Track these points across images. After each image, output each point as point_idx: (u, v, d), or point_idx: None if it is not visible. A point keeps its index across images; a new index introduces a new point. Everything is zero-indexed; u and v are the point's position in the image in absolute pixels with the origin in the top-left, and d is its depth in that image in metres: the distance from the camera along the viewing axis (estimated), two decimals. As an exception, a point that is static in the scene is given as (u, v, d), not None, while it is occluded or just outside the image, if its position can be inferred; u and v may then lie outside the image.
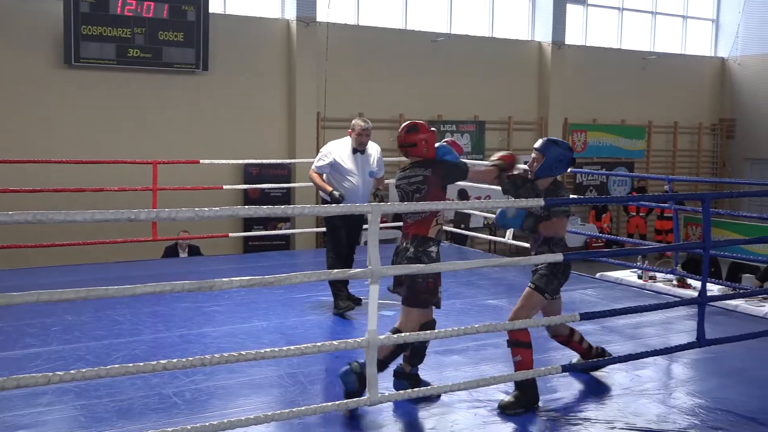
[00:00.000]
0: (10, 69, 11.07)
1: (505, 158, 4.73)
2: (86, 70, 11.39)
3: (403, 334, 3.81)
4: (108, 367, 3.03)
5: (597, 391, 4.75)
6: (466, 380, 4.21)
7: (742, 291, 7.10)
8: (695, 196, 5.05)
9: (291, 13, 13.05)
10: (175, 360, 3.14)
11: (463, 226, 12.48)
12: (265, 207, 3.27)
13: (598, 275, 8.70)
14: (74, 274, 7.74)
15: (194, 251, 10.24)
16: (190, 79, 12.22)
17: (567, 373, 4.81)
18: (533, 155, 4.68)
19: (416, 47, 14.37)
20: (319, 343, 3.53)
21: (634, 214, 15.67)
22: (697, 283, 6.62)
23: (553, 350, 5.52)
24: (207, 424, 3.14)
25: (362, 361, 4.15)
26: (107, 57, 11.31)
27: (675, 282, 8.38)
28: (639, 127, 17.55)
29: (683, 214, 13.40)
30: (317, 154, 6.65)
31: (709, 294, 4.73)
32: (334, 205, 5.87)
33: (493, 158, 4.80)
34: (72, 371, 2.92)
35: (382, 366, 4.24)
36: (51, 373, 2.87)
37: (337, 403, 3.49)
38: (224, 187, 9.85)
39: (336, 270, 3.72)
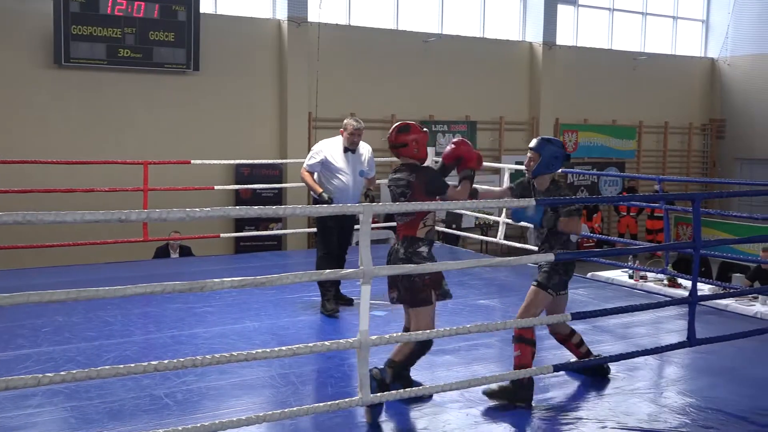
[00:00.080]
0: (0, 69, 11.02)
1: (469, 164, 4.49)
2: (76, 70, 11.34)
3: (394, 335, 3.81)
4: (99, 368, 3.01)
5: (588, 390, 4.76)
6: (458, 380, 4.22)
7: (732, 290, 7.14)
8: (686, 196, 5.07)
9: (282, 13, 13.03)
10: (166, 361, 3.13)
11: (454, 226, 12.49)
12: (256, 207, 3.26)
13: (589, 275, 8.72)
14: (65, 275, 7.70)
15: (185, 252, 10.21)
16: (180, 80, 12.18)
17: (559, 373, 4.82)
18: (529, 155, 4.75)
19: (407, 47, 14.38)
20: (311, 344, 3.52)
21: (625, 214, 15.73)
22: (688, 283, 6.64)
23: (545, 350, 5.53)
24: (198, 425, 3.13)
25: (381, 366, 4.15)
26: (97, 57, 11.26)
27: (666, 281, 8.42)
28: (630, 128, 17.61)
29: (674, 214, 13.46)
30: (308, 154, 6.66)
31: (699, 293, 4.75)
32: (325, 205, 5.88)
33: (460, 171, 4.52)
34: (62, 372, 2.90)
35: (404, 369, 4.22)
36: (41, 375, 2.85)
37: (329, 403, 3.48)
38: (215, 187, 9.84)
39: (328, 270, 3.70)
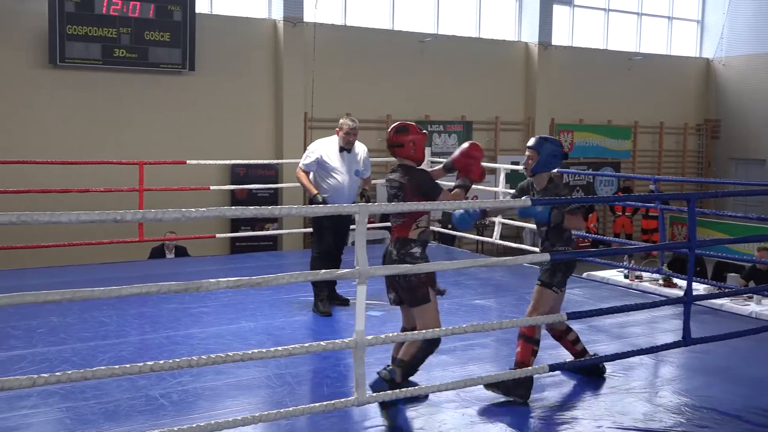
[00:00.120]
0: (-5, 69, 11.00)
1: (470, 176, 4.51)
2: (71, 70, 11.32)
3: (390, 335, 3.80)
4: (94, 368, 3.01)
5: (584, 390, 4.77)
6: (453, 380, 4.22)
7: (727, 290, 7.16)
8: (681, 196, 5.11)
9: (278, 14, 13.03)
10: (161, 361, 3.12)
11: (450, 226, 12.49)
12: (252, 207, 3.26)
13: (584, 275, 8.73)
14: (60, 276, 7.68)
15: (181, 252, 10.20)
16: (176, 80, 12.17)
17: (555, 373, 4.83)
18: (527, 153, 4.79)
19: (403, 47, 14.38)
20: (306, 344, 3.52)
21: (620, 213, 15.76)
22: (683, 283, 6.66)
23: (541, 350, 5.53)
24: (194, 425, 3.13)
25: (390, 367, 4.15)
26: (93, 57, 11.24)
27: (661, 281, 8.44)
28: (625, 128, 17.64)
29: (669, 214, 13.49)
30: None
31: (694, 293, 4.76)
32: (321, 205, 5.89)
33: (459, 177, 4.55)
34: (57, 373, 2.90)
35: (413, 368, 4.20)
36: (36, 376, 2.84)
37: (324, 403, 3.48)
38: (211, 187, 9.81)
39: (324, 271, 3.70)
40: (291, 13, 12.95)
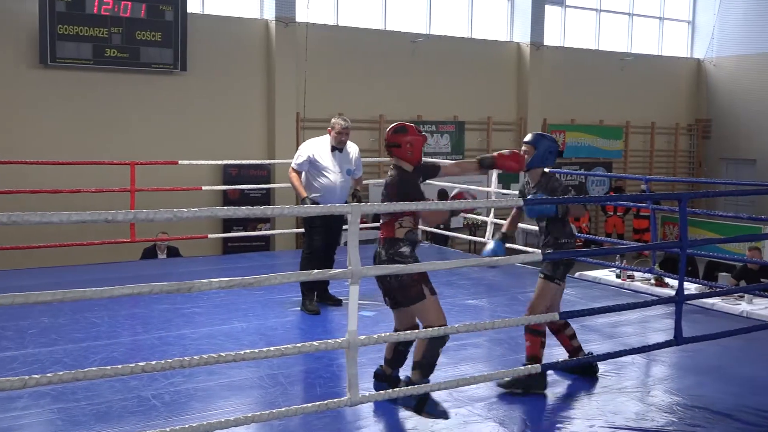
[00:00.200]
0: (-15, 69, 10.94)
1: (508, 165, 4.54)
2: (62, 70, 11.28)
3: (383, 334, 3.80)
4: (85, 369, 2.99)
5: (577, 389, 4.78)
6: (446, 380, 4.22)
7: (718, 289, 7.19)
8: (672, 195, 5.12)
9: (270, 14, 13.01)
10: (153, 362, 3.11)
11: (442, 226, 12.50)
12: (244, 208, 3.25)
13: (576, 275, 8.75)
14: (51, 276, 7.65)
15: (173, 252, 10.16)
16: (168, 80, 12.13)
17: (547, 372, 4.83)
18: (524, 148, 4.89)
19: (395, 48, 14.38)
20: (299, 344, 3.52)
21: (612, 213, 15.80)
22: (675, 282, 6.69)
23: (533, 349, 5.55)
24: (186, 426, 3.12)
25: (408, 376, 4.13)
26: (84, 57, 11.19)
27: (653, 281, 8.46)
28: (617, 128, 17.69)
29: (660, 214, 13.53)
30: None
31: (686, 293, 4.77)
32: (313, 205, 5.89)
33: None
34: (49, 374, 2.88)
35: (431, 366, 4.15)
36: (27, 377, 2.82)
37: (317, 404, 3.48)
38: (203, 188, 9.80)
39: (317, 271, 3.70)
40: (283, 13, 12.93)
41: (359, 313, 3.54)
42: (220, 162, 10.57)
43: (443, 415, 4.11)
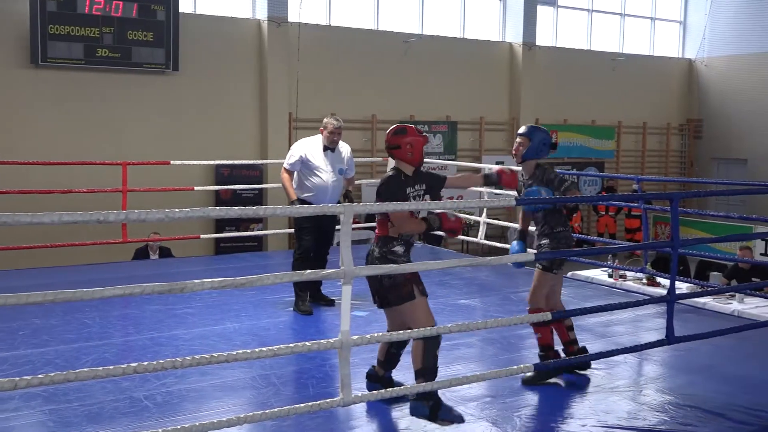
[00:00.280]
0: (-25, 69, 10.88)
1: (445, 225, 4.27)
2: (54, 70, 11.23)
3: (375, 334, 3.80)
4: (77, 370, 2.98)
5: (569, 388, 4.79)
6: (439, 380, 4.22)
7: (710, 289, 7.21)
8: (664, 195, 5.13)
9: (262, 13, 12.99)
10: (145, 363, 3.10)
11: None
12: (236, 208, 3.25)
13: (569, 274, 8.76)
14: (42, 277, 7.62)
15: (165, 253, 10.14)
16: (160, 80, 12.10)
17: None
18: (518, 140, 4.94)
19: (388, 48, 14.39)
20: (291, 345, 3.51)
21: (604, 213, 15.83)
22: (666, 282, 6.70)
23: (527, 349, 5.56)
24: (179, 427, 3.11)
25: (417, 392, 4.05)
26: (75, 57, 11.15)
27: (644, 280, 8.48)
28: (609, 128, 17.74)
29: (652, 214, 13.57)
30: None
31: (677, 292, 4.79)
32: (306, 205, 5.88)
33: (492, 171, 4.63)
34: (40, 375, 2.87)
35: (433, 372, 4.10)
36: (18, 378, 2.81)
37: (309, 404, 3.47)
38: (195, 188, 9.78)
39: (309, 271, 3.69)
40: (275, 13, 12.92)
41: (352, 313, 3.54)
42: (212, 162, 10.56)
43: (458, 419, 4.07)
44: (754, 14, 17.80)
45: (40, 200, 9.51)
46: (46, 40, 10.87)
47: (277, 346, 3.43)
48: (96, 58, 11.30)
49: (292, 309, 6.43)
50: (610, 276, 8.91)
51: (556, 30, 17.27)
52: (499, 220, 11.80)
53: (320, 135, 6.47)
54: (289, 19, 12.99)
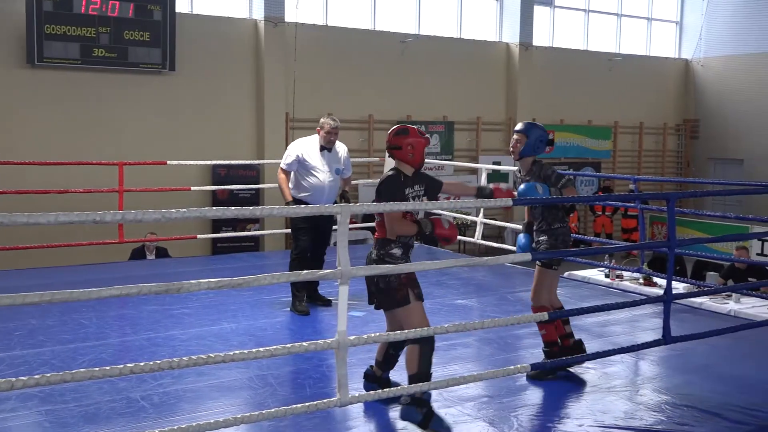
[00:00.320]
0: (-29, 69, 10.86)
1: (437, 230, 4.22)
2: (50, 70, 11.21)
3: (372, 335, 3.80)
4: (73, 371, 2.97)
5: (566, 388, 4.79)
6: (435, 380, 4.22)
7: (706, 289, 7.23)
8: (660, 195, 5.15)
9: (259, 13, 12.98)
10: (142, 363, 3.09)
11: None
12: (233, 208, 3.24)
13: (566, 274, 8.76)
14: (39, 277, 7.60)
15: (162, 253, 10.12)
16: (156, 79, 12.09)
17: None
18: (515, 137, 4.96)
19: (385, 48, 14.39)
20: (288, 345, 3.51)
21: (600, 213, 15.86)
22: (663, 281, 6.71)
23: (524, 349, 5.57)
24: (176, 427, 3.10)
25: (409, 395, 4.04)
26: (71, 57, 11.13)
27: (641, 280, 8.49)
28: (605, 128, 17.76)
29: (649, 214, 13.59)
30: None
31: (674, 292, 4.80)
32: (303, 206, 5.88)
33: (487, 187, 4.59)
34: (36, 376, 2.86)
35: (426, 376, 4.06)
36: (14, 379, 2.80)
37: (306, 404, 3.47)
38: (192, 188, 9.77)
39: (306, 271, 3.69)
40: (272, 13, 12.91)
41: (349, 313, 3.53)
42: (209, 162, 10.55)
43: (449, 430, 4.05)
44: (751, 15, 17.84)
45: (36, 200, 9.49)
46: (42, 39, 10.85)
47: (274, 347, 3.43)
48: (92, 58, 11.28)
49: (289, 309, 6.43)
50: (607, 276, 8.92)
51: (553, 30, 17.29)
52: (496, 220, 11.81)
53: (317, 135, 6.46)
54: (286, 19, 12.99)
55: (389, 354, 4.40)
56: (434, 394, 4.43)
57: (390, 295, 4.10)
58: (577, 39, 17.68)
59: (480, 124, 15.66)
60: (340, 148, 6.59)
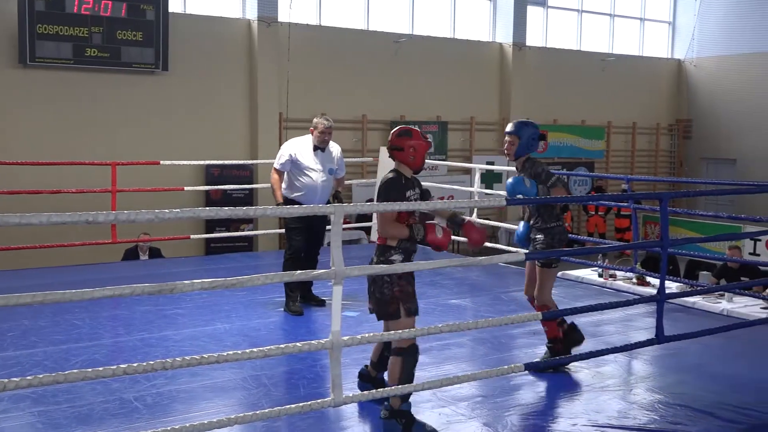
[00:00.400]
0: (-37, 68, 10.81)
1: (429, 237, 4.12)
2: (42, 69, 11.17)
3: (366, 335, 3.79)
4: (66, 372, 2.96)
5: (559, 388, 4.80)
6: (429, 380, 4.22)
7: (699, 288, 7.24)
8: (653, 195, 5.16)
9: (252, 13, 12.96)
10: (135, 364, 3.09)
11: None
12: (226, 208, 3.24)
13: (559, 274, 8.77)
14: (31, 278, 7.57)
15: (155, 254, 10.10)
16: (149, 79, 12.06)
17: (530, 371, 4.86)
18: (507, 139, 5.02)
19: (378, 48, 14.38)
20: (282, 345, 3.50)
21: (593, 213, 15.88)
22: (656, 281, 6.73)
23: (518, 348, 5.58)
24: (169, 428, 3.10)
25: (385, 404, 4.02)
26: (64, 56, 11.10)
27: (634, 280, 8.50)
28: (598, 128, 17.80)
29: (642, 213, 13.63)
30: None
31: (667, 291, 4.81)
32: (296, 206, 5.88)
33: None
34: (29, 377, 2.85)
35: (410, 376, 4.04)
36: (6, 380, 2.79)
37: (300, 405, 3.47)
38: (185, 188, 9.75)
39: (300, 272, 3.68)
40: (265, 13, 12.89)
41: (343, 313, 3.53)
42: (202, 162, 10.53)
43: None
44: (743, 15, 17.90)
45: (28, 201, 9.45)
46: (34, 39, 10.81)
47: (268, 347, 3.43)
48: (85, 58, 11.25)
49: (282, 309, 6.42)
50: (600, 276, 8.93)
51: (546, 30, 17.31)
52: (490, 220, 11.81)
53: (310, 135, 6.46)
54: (279, 19, 12.97)
55: (384, 356, 4.39)
56: (428, 393, 4.44)
57: (381, 306, 4.10)
58: (570, 39, 17.72)
59: (473, 124, 15.67)
60: (334, 148, 6.59)
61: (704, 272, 9.37)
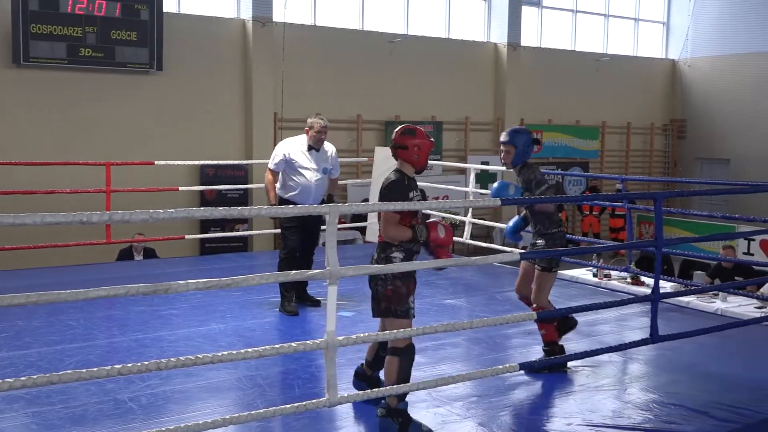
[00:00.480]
0: (-43, 68, 10.77)
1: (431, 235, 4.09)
2: (36, 69, 11.14)
3: (361, 335, 3.79)
4: (60, 372, 2.95)
5: (554, 387, 4.81)
6: (425, 380, 4.22)
7: (693, 288, 7.27)
8: (648, 195, 5.17)
9: (246, 13, 12.94)
10: (130, 364, 3.08)
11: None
12: (221, 208, 3.22)
13: (554, 274, 8.80)
14: (25, 278, 7.55)
15: (149, 254, 10.08)
16: (143, 79, 12.03)
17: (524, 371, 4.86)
18: (503, 149, 5.01)
19: (373, 48, 14.38)
20: (277, 345, 3.50)
21: (588, 213, 15.92)
22: (650, 281, 6.74)
23: (512, 348, 5.59)
24: (164, 429, 3.09)
25: (382, 404, 4.02)
26: (58, 56, 11.06)
27: (629, 279, 8.52)
28: (593, 128, 17.84)
29: (636, 213, 13.65)
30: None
31: (661, 291, 4.82)
32: (291, 206, 5.87)
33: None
34: (22, 378, 2.84)
35: (407, 376, 4.04)
36: (0, 380, 2.79)
37: (295, 405, 3.46)
38: (180, 188, 9.74)
39: (295, 272, 3.68)
40: (260, 13, 12.88)
41: (338, 313, 3.53)
42: (197, 162, 10.51)
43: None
44: (737, 15, 17.96)
45: (22, 201, 9.41)
46: (28, 39, 10.77)
47: (263, 347, 3.43)
48: (79, 58, 11.21)
49: (277, 310, 6.42)
50: (595, 275, 8.95)
51: (541, 30, 17.34)
52: (485, 220, 11.83)
53: (304, 135, 6.46)
54: (274, 19, 12.96)
55: (380, 356, 4.39)
56: (423, 393, 4.44)
57: (373, 302, 4.11)
58: (564, 39, 17.74)
59: (468, 124, 15.68)
60: (329, 147, 6.58)
61: (698, 272, 9.41)
